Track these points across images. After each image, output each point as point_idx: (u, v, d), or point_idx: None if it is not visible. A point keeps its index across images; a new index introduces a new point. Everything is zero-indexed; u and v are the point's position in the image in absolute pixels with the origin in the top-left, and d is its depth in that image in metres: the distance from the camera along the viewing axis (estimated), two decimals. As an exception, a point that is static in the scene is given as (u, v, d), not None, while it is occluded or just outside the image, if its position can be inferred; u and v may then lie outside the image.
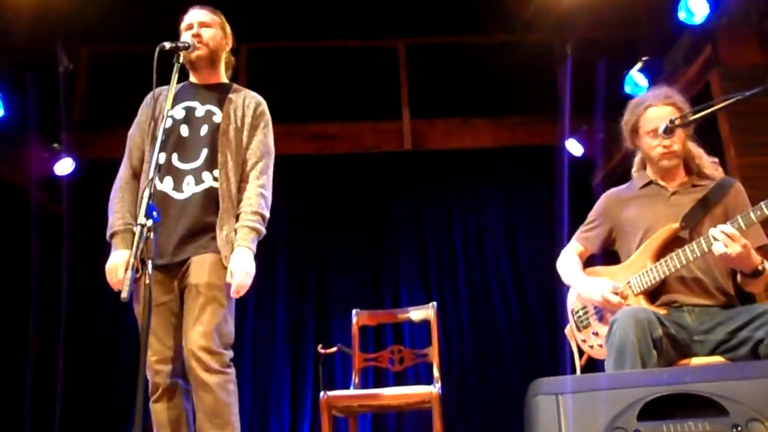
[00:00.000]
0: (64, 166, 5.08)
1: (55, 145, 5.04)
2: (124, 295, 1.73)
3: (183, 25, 2.48)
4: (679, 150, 2.40)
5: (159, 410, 2.20)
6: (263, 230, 2.34)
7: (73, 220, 5.00)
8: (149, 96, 2.28)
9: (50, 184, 5.15)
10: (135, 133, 2.46)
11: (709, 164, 2.47)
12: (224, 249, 2.24)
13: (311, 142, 5.57)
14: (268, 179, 2.41)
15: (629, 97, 4.45)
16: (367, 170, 5.57)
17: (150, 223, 1.85)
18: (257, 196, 2.33)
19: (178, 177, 2.31)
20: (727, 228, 2.10)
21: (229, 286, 2.22)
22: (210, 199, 2.29)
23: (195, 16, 2.47)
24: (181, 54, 2.29)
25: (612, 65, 4.82)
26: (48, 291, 4.80)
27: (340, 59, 5.62)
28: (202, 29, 2.44)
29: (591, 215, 2.64)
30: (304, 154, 5.48)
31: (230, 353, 2.21)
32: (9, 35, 4.54)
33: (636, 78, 4.71)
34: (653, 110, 2.42)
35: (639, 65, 4.68)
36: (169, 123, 2.34)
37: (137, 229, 1.84)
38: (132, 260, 1.78)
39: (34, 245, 4.70)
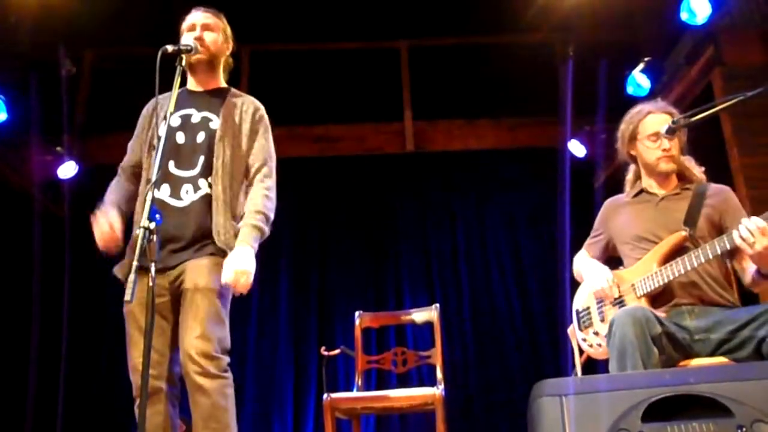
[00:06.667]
0: (67, 170, 5.08)
1: (58, 148, 5.05)
2: (127, 297, 1.72)
3: (185, 26, 2.46)
4: (676, 155, 2.45)
5: (143, 415, 2.17)
6: (267, 230, 2.30)
7: (76, 223, 5.00)
8: (149, 105, 2.26)
9: (53, 188, 5.16)
10: (133, 142, 2.50)
11: (697, 170, 2.53)
12: (220, 252, 2.22)
13: (314, 144, 5.58)
14: (273, 183, 2.39)
15: (631, 98, 4.48)
16: (369, 172, 5.57)
17: (153, 226, 1.84)
18: (262, 198, 2.31)
19: (176, 185, 2.29)
20: (760, 222, 2.06)
21: (226, 289, 2.20)
22: (207, 205, 2.27)
23: (198, 17, 2.45)
24: (183, 57, 2.28)
25: (614, 66, 4.81)
26: (51, 294, 4.80)
27: (342, 61, 5.63)
28: (204, 33, 2.42)
29: (595, 225, 2.70)
30: (307, 156, 5.48)
31: (228, 358, 2.18)
32: (12, 38, 4.55)
33: (638, 79, 4.70)
34: (653, 116, 2.48)
35: (641, 66, 4.68)
36: (165, 131, 2.32)
37: (140, 232, 1.83)
38: (135, 263, 1.78)
39: (37, 248, 4.70)
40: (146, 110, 2.31)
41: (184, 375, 2.12)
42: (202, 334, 2.11)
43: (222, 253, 2.22)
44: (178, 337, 2.18)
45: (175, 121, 2.38)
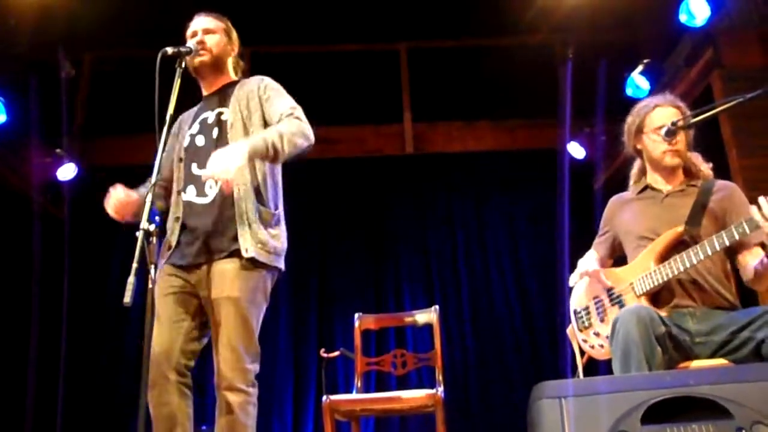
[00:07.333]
0: (67, 172, 5.09)
1: (58, 150, 5.05)
2: (127, 300, 1.72)
3: (188, 33, 2.46)
4: (682, 150, 2.42)
5: (151, 406, 2.15)
6: (271, 149, 2.16)
7: (75, 224, 5.01)
8: (175, 125, 2.27)
9: (52, 189, 5.16)
10: (164, 160, 2.48)
11: (704, 166, 2.50)
12: (246, 244, 2.20)
13: (314, 146, 5.56)
14: (294, 125, 2.27)
15: (631, 99, 4.49)
16: (369, 174, 5.58)
17: (152, 228, 1.85)
18: (287, 123, 2.24)
19: (200, 183, 2.30)
20: None
21: (255, 294, 2.20)
22: (230, 195, 2.26)
23: (199, 23, 2.46)
24: (185, 59, 2.28)
25: (613, 68, 4.82)
26: (50, 294, 4.80)
27: (342, 63, 5.63)
28: (205, 36, 2.42)
29: (601, 223, 2.69)
30: (307, 157, 5.47)
31: (257, 368, 2.19)
32: (12, 41, 4.55)
33: (637, 80, 4.71)
34: (660, 110, 2.46)
35: (640, 68, 4.69)
36: (187, 141, 2.38)
37: (140, 234, 1.84)
38: (135, 265, 1.78)
39: (37, 250, 4.71)
40: (174, 130, 2.30)
41: (215, 386, 2.14)
42: (233, 348, 2.13)
43: (250, 261, 2.20)
44: (192, 336, 2.21)
45: (195, 128, 2.41)
